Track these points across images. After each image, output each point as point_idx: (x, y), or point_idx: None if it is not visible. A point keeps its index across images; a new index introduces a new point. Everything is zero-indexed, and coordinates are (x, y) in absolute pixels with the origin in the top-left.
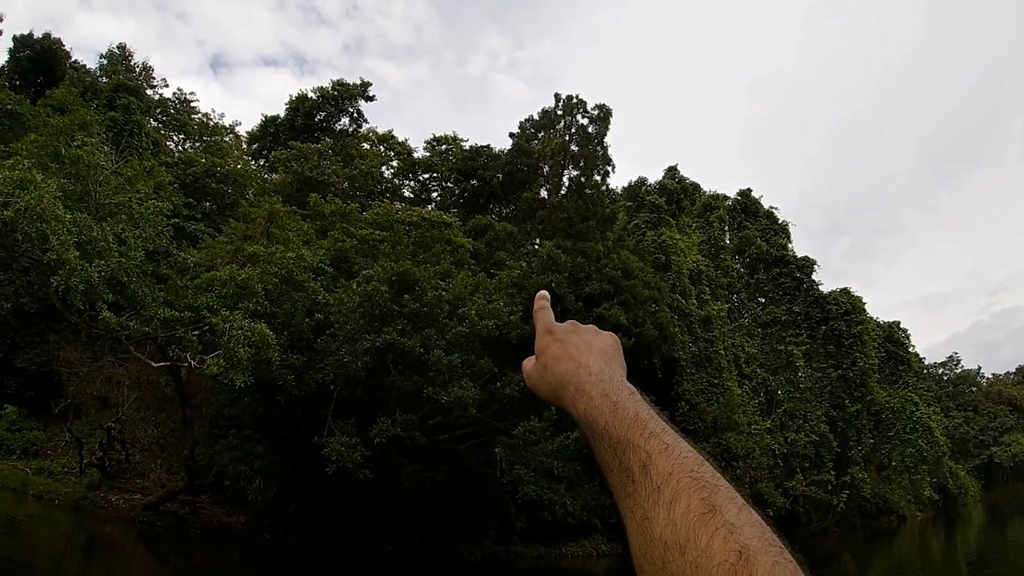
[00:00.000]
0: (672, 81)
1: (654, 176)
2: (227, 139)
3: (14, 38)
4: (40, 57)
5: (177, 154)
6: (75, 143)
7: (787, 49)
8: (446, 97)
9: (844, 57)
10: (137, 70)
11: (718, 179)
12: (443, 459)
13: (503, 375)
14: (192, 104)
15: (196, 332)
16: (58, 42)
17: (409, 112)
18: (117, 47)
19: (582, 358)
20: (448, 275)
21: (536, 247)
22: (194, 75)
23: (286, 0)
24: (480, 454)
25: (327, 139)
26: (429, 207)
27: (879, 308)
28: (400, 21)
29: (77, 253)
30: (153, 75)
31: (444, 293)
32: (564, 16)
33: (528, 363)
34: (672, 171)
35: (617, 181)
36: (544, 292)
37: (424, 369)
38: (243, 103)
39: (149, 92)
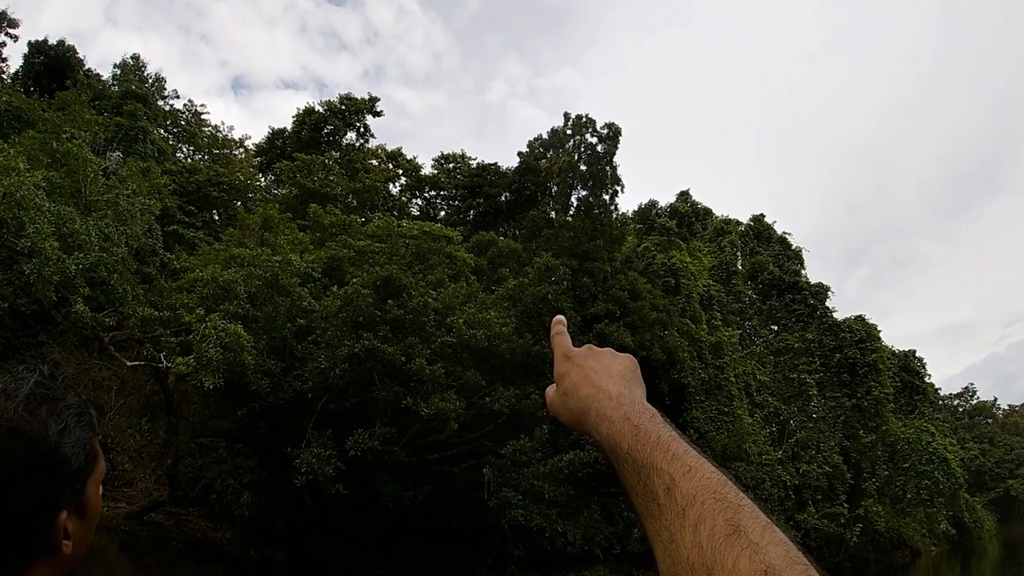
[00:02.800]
0: (689, 108)
1: (667, 200)
2: (236, 152)
3: (29, 43)
4: (54, 64)
5: (183, 162)
6: (66, 136)
7: (805, 76)
8: (464, 124)
9: (861, 84)
10: (150, 81)
11: (733, 206)
12: (432, 479)
13: (492, 390)
14: (203, 117)
15: (179, 337)
16: (72, 49)
17: (428, 138)
18: (131, 57)
19: (602, 382)
20: (441, 285)
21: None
22: (215, 95)
23: (308, 25)
24: (473, 476)
25: (333, 153)
26: (436, 225)
27: (895, 339)
28: (420, 49)
29: (56, 243)
30: (165, 86)
31: (432, 301)
32: (584, 44)
33: (550, 391)
34: (684, 195)
35: (630, 205)
36: (560, 317)
37: (407, 380)
38: (262, 125)
39: (160, 103)
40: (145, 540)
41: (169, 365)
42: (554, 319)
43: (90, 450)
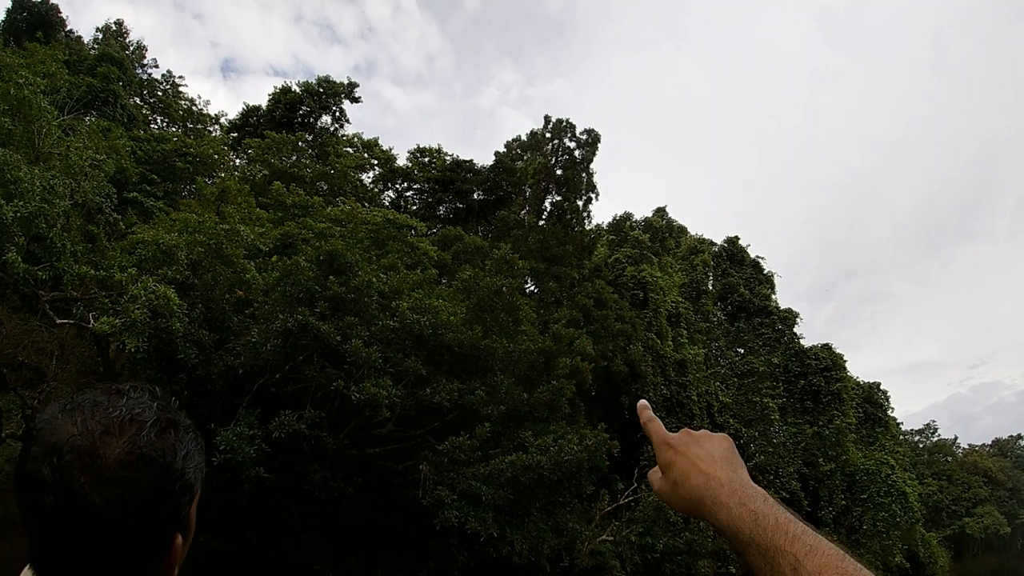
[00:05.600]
0: (675, 129)
1: (644, 215)
2: (211, 129)
3: None
4: (36, 21)
5: (153, 131)
6: (22, 82)
7: (792, 109)
8: (451, 127)
9: (846, 122)
10: (131, 48)
11: (709, 226)
12: (373, 474)
13: (434, 381)
14: (181, 89)
15: (113, 300)
16: (55, 8)
17: (414, 138)
18: (114, 23)
19: (709, 469)
20: (393, 269)
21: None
22: (204, 76)
23: (304, 14)
24: (414, 474)
25: (306, 135)
26: (402, 215)
27: (860, 374)
28: (413, 48)
29: None
30: (145, 55)
31: (377, 282)
32: (578, 58)
33: (655, 478)
34: (660, 211)
35: (607, 216)
36: (644, 402)
37: (342, 362)
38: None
39: (139, 71)
40: None
41: (93, 325)
42: (639, 405)
43: (204, 474)
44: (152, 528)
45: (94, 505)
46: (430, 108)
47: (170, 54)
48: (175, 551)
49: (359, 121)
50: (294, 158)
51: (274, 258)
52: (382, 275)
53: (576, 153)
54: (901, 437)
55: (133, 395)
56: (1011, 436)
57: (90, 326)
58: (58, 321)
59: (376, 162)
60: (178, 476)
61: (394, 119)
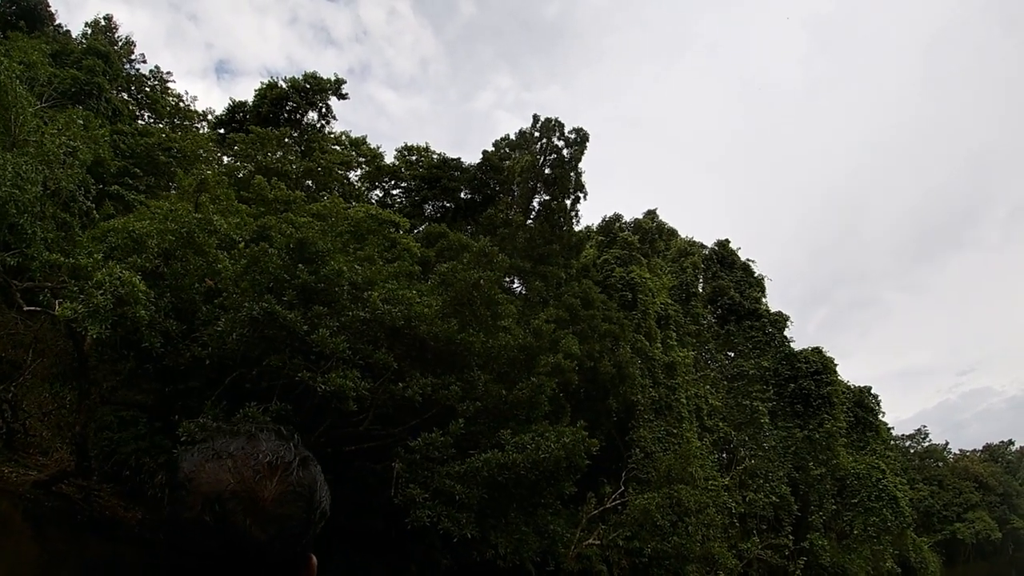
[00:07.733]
0: (670, 135)
1: (633, 216)
2: (198, 125)
3: None
4: (24, 14)
5: (138, 126)
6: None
7: (786, 118)
8: (445, 131)
9: (838, 130)
10: (120, 44)
11: (699, 231)
12: (348, 472)
13: (407, 375)
14: (168, 85)
15: (83, 292)
16: (44, 2)
17: (408, 141)
18: (104, 18)
19: None
20: (370, 260)
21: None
22: (198, 77)
23: (299, 16)
24: (390, 472)
25: (292, 132)
26: (386, 211)
27: (850, 379)
28: (408, 52)
29: None
30: (134, 50)
31: (348, 271)
32: (575, 65)
33: None
34: (651, 213)
35: (595, 220)
36: None
37: (309, 353)
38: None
39: (126, 66)
40: (50, 511)
41: (55, 311)
42: None
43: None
44: (299, 553)
45: (258, 541)
46: (424, 112)
47: (165, 54)
48: (311, 569)
49: (352, 123)
50: (279, 154)
51: (241, 245)
52: (356, 266)
53: (564, 152)
54: (892, 442)
55: (263, 436)
56: (1002, 442)
57: (54, 312)
58: (25, 308)
59: (363, 160)
60: (318, 505)
61: (388, 122)
